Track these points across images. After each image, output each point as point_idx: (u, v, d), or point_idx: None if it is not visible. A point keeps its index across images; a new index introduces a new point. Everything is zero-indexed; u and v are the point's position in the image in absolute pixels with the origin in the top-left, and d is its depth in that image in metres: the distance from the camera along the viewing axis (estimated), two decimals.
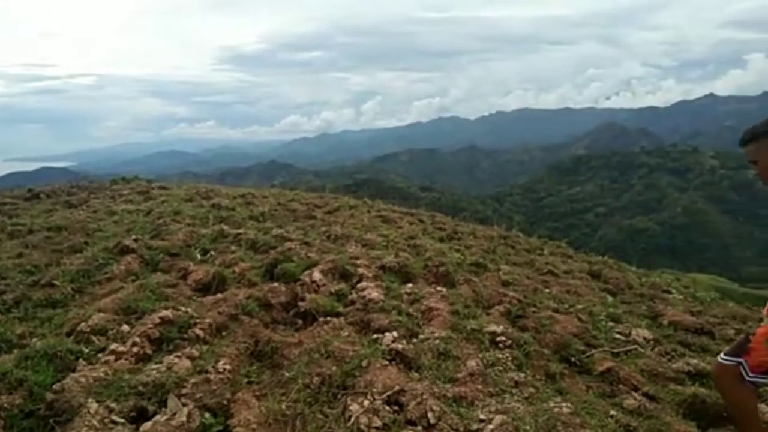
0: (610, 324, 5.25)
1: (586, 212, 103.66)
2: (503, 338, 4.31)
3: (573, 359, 4.26)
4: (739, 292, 41.72)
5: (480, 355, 3.98)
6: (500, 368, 3.83)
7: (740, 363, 2.91)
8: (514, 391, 3.50)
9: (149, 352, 3.81)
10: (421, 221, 11.26)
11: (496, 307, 5.18)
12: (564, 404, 3.34)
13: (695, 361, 4.47)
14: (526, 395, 3.47)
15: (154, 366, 3.47)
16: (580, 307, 5.59)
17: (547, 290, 6.24)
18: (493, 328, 4.46)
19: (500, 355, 4.02)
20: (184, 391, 3.17)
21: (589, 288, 6.85)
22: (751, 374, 2.88)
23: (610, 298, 6.48)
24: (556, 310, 5.34)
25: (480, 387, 3.50)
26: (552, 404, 3.34)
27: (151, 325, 4.00)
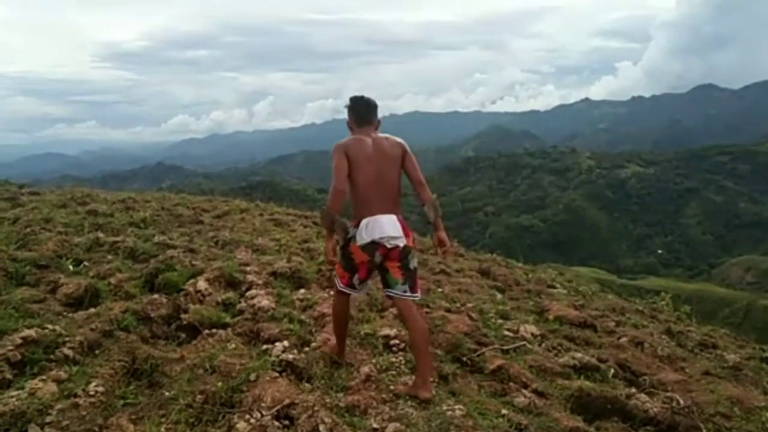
0: (500, 321, 5.39)
1: (477, 211, 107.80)
2: (397, 341, 4.28)
3: (465, 359, 4.30)
4: (617, 282, 45.02)
5: (373, 361, 3.92)
6: (394, 373, 3.80)
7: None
8: (407, 396, 3.46)
9: (9, 377, 3.39)
10: (315, 224, 11.09)
11: (390, 309, 5.15)
12: (457, 406, 3.35)
13: (580, 354, 4.68)
14: (419, 400, 3.43)
15: (14, 393, 3.10)
16: (470, 305, 5.71)
17: (439, 290, 6.31)
18: (386, 331, 4.42)
19: (394, 359, 3.98)
20: (48, 419, 2.86)
21: (479, 286, 7.02)
22: (341, 285, 3.74)
23: (499, 296, 6.67)
24: (449, 310, 5.41)
25: (373, 394, 3.43)
26: (445, 407, 3.34)
27: (11, 347, 3.58)
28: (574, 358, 4.61)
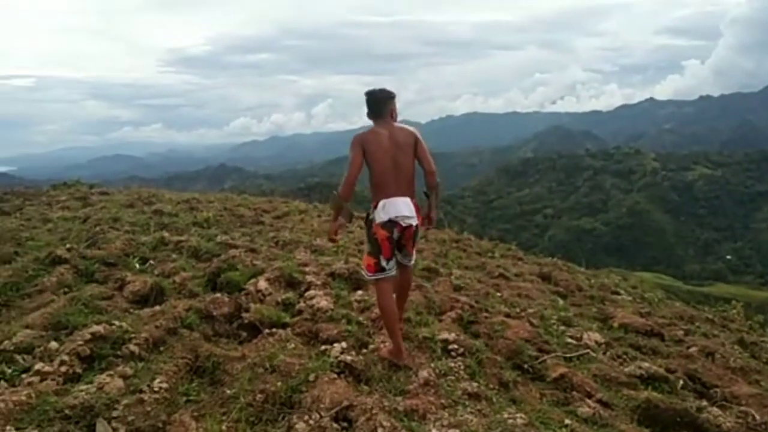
0: (562, 328, 5.23)
1: (535, 214, 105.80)
2: (455, 346, 4.20)
3: (526, 366, 4.19)
4: (683, 289, 43.29)
5: (432, 365, 3.86)
6: (453, 378, 3.73)
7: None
8: (467, 402, 3.39)
9: (79, 371, 3.52)
10: None
11: (448, 313, 5.09)
12: (518, 415, 3.26)
13: (647, 364, 4.47)
14: (480, 407, 3.36)
15: (83, 387, 3.21)
16: (531, 311, 5.56)
17: (498, 294, 6.19)
18: (445, 335, 4.35)
19: (453, 364, 3.91)
20: (115, 413, 2.94)
21: (539, 291, 6.84)
22: (369, 274, 4.07)
23: (560, 301, 6.48)
24: (508, 315, 5.29)
25: (432, 399, 3.38)
26: (506, 415, 3.25)
27: (81, 342, 3.72)
28: (640, 367, 4.41)
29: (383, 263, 3.97)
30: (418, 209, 4.01)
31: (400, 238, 4.00)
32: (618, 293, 7.83)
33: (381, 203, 3.93)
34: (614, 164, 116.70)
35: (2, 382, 3.37)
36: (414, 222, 3.96)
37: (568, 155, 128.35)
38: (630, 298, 7.59)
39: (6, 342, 3.81)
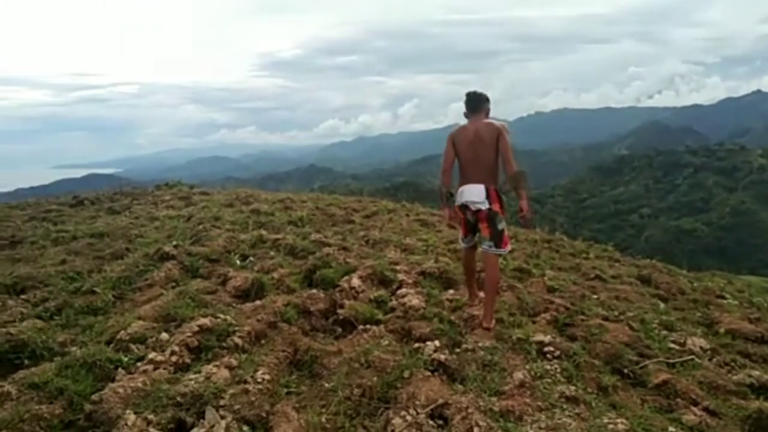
0: (664, 332, 5.01)
1: (631, 213, 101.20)
2: (551, 348, 4.13)
3: (626, 371, 4.05)
4: None
5: (527, 367, 3.81)
6: (549, 381, 3.66)
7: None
8: (564, 405, 3.32)
9: (188, 361, 3.76)
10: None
11: (542, 314, 5.00)
12: (619, 420, 3.16)
13: (757, 372, 4.21)
14: (578, 410, 3.28)
15: (193, 376, 3.42)
16: (630, 314, 5.36)
17: (595, 296, 6.01)
18: (540, 337, 4.28)
19: (549, 367, 3.84)
20: (222, 402, 3.11)
21: (639, 294, 6.57)
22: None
23: (661, 305, 6.21)
24: (606, 318, 5.13)
25: (528, 401, 3.33)
26: (606, 420, 3.16)
27: (189, 334, 3.96)
28: (750, 376, 4.16)
29: (461, 238, 4.95)
30: (493, 196, 4.49)
31: (476, 221, 4.60)
32: (723, 297, 7.38)
33: (459, 189, 4.62)
34: (717, 161, 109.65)
35: (120, 369, 3.64)
36: (483, 206, 4.48)
37: (666, 152, 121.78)
38: (736, 303, 7.13)
39: (122, 332, 4.11)
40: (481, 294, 5.00)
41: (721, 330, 5.40)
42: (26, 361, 3.73)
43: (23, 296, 5.24)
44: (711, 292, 7.61)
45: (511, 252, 8.06)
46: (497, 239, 4.53)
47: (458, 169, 4.67)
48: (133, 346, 3.97)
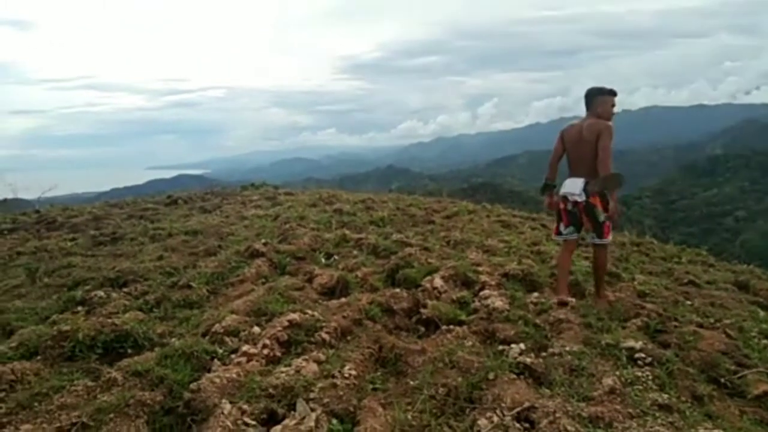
0: (764, 342, 4.72)
1: (725, 216, 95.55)
2: (642, 355, 3.98)
3: (723, 380, 3.85)
4: None
5: (617, 373, 3.70)
6: (640, 388, 3.53)
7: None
8: (657, 413, 3.20)
9: (278, 354, 3.91)
10: (543, 226, 10.86)
11: (633, 320, 4.83)
12: (715, 431, 3.02)
13: None
14: (671, 419, 3.16)
15: (284, 369, 3.55)
16: (727, 321, 5.09)
17: (688, 302, 5.75)
18: (630, 343, 4.14)
19: (640, 374, 3.71)
20: (312, 395, 3.21)
21: (736, 301, 6.22)
22: (554, 236, 5.45)
23: (761, 313, 5.85)
24: (701, 325, 4.90)
25: (618, 407, 3.24)
26: (701, 430, 3.03)
27: (280, 328, 4.11)
28: None
29: (561, 228, 5.21)
30: (596, 192, 4.84)
31: (578, 213, 4.99)
32: None
33: (564, 182, 5.06)
34: None
35: (215, 360, 3.84)
36: (579, 198, 4.89)
37: (765, 151, 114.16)
38: None
39: (216, 325, 4.33)
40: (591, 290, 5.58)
41: None
42: (129, 350, 3.99)
43: (125, 289, 5.60)
44: None
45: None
46: (599, 230, 4.95)
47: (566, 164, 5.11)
48: (227, 339, 4.17)
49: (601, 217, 4.89)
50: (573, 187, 4.93)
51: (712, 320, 5.13)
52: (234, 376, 3.48)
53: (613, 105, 5.04)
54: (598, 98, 4.99)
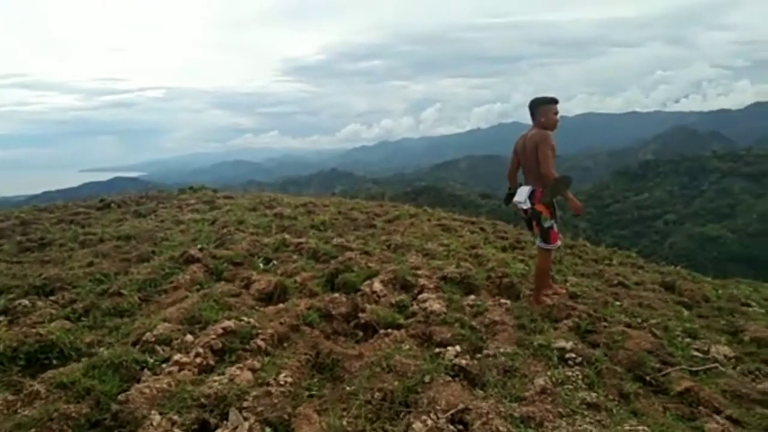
0: (687, 340, 4.95)
1: (655, 219, 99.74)
2: (573, 355, 4.11)
3: (648, 378, 4.01)
4: None
5: (548, 373, 3.80)
6: (570, 387, 3.65)
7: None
8: (585, 412, 3.31)
9: (212, 362, 3.83)
10: (482, 230, 11.05)
11: (565, 321, 4.97)
12: (640, 428, 3.15)
13: None
14: (599, 417, 3.27)
15: (217, 377, 3.48)
16: (653, 321, 5.31)
17: (617, 303, 5.96)
18: (561, 343, 4.26)
19: (570, 373, 3.83)
20: (245, 404, 3.17)
21: (662, 301, 6.49)
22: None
23: (685, 312, 6.13)
24: (629, 325, 5.09)
25: (549, 407, 3.33)
26: (627, 427, 3.16)
27: (214, 336, 4.03)
28: None
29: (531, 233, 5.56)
30: (537, 197, 5.06)
31: (528, 218, 5.29)
32: (749, 305, 7.25)
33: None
34: (744, 166, 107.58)
35: (146, 370, 3.72)
36: (524, 206, 5.15)
37: (693, 157, 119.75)
38: (762, 311, 7.00)
39: (147, 334, 4.20)
40: (558, 289, 5.86)
41: (746, 338, 5.31)
42: (55, 361, 3.83)
43: (52, 297, 5.36)
44: (736, 299, 7.49)
45: (533, 258, 8.07)
46: (545, 236, 5.16)
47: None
48: (158, 348, 4.06)
49: (547, 223, 5.11)
50: (520, 195, 5.17)
51: (639, 320, 5.33)
52: (165, 386, 3.39)
53: (556, 113, 5.20)
54: (541, 108, 5.17)
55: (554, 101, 5.22)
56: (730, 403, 3.76)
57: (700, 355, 4.61)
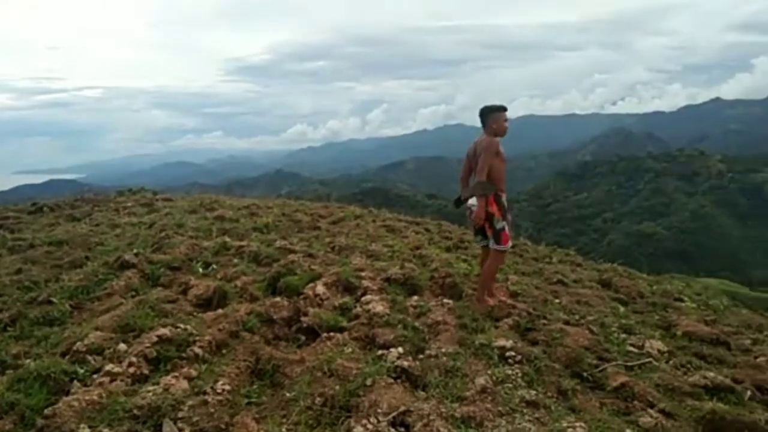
0: (623, 336, 5.09)
1: (594, 218, 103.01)
2: (513, 353, 4.15)
3: (585, 374, 4.10)
4: (750, 296, 41.17)
5: (489, 372, 3.83)
6: (510, 385, 3.68)
7: None
8: (525, 410, 3.35)
9: (146, 372, 3.69)
10: (427, 230, 11.12)
11: (505, 319, 5.03)
12: (577, 424, 3.21)
13: (712, 374, 4.30)
14: (538, 415, 3.31)
15: (150, 388, 3.36)
16: (591, 318, 5.44)
17: (557, 301, 6.08)
18: (502, 342, 4.31)
19: (510, 372, 3.87)
20: (180, 414, 3.07)
21: (599, 298, 6.67)
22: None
23: (621, 308, 6.31)
24: (567, 322, 5.19)
25: (489, 406, 3.35)
26: (565, 424, 3.21)
27: (148, 344, 3.89)
28: (705, 377, 4.24)
29: (475, 235, 5.72)
30: (492, 201, 5.18)
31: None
32: (681, 300, 7.55)
33: None
34: (677, 167, 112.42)
35: (75, 381, 3.56)
36: (474, 208, 5.22)
37: (629, 158, 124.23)
38: (694, 306, 7.31)
39: (78, 343, 4.03)
40: (500, 295, 5.82)
41: (679, 332, 5.51)
42: None
43: None
44: (669, 295, 7.78)
45: (476, 257, 8.15)
46: (497, 237, 5.26)
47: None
48: (89, 358, 3.89)
49: (499, 225, 5.23)
50: (471, 198, 5.29)
51: (577, 317, 5.45)
52: (95, 398, 3.24)
53: (506, 120, 5.39)
54: (492, 115, 5.35)
55: (503, 109, 5.42)
56: (663, 397, 3.87)
57: (635, 350, 4.74)
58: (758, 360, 5.02)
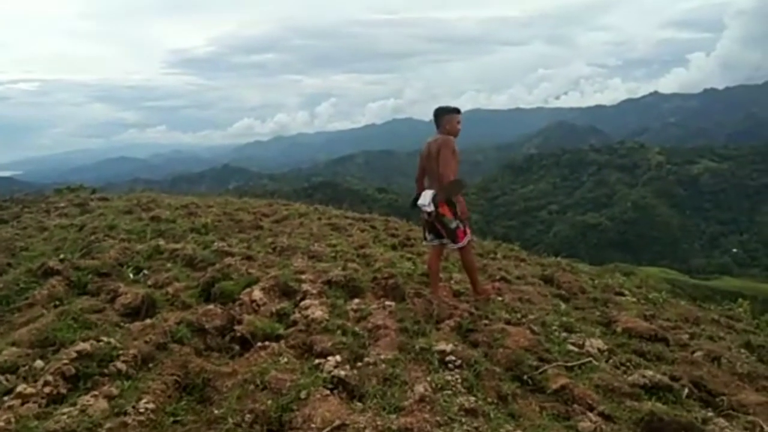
0: (564, 335, 5.06)
1: (540, 210, 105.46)
2: (453, 357, 4.05)
3: (525, 377, 4.03)
4: (689, 283, 42.91)
5: (428, 378, 3.72)
6: (449, 392, 3.57)
7: None
8: (463, 419, 3.24)
9: (63, 391, 3.42)
10: (373, 227, 10.99)
11: (447, 321, 4.94)
12: (516, 431, 3.13)
13: (650, 372, 4.31)
14: (476, 423, 3.22)
15: (66, 409, 3.11)
16: (532, 317, 5.39)
17: (499, 299, 6.02)
18: (442, 346, 4.20)
19: (450, 377, 3.76)
20: None
21: (541, 295, 6.67)
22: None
23: (563, 305, 6.31)
24: (509, 322, 5.14)
25: (427, 416, 3.24)
26: None
27: (66, 361, 3.61)
28: (644, 376, 4.25)
29: (426, 236, 5.77)
30: (441, 202, 5.29)
31: (434, 221, 5.46)
32: (622, 294, 7.65)
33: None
34: (619, 159, 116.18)
35: None
36: (429, 209, 5.30)
37: (572, 151, 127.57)
38: (634, 300, 7.41)
39: None
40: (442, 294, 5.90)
41: (618, 329, 5.53)
42: None
43: None
44: (611, 289, 7.88)
45: (421, 255, 8.08)
46: (452, 236, 5.40)
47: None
48: (1, 378, 3.59)
49: (453, 224, 5.36)
50: (424, 199, 5.34)
51: (519, 316, 5.39)
52: (2, 424, 2.98)
53: (459, 122, 5.56)
54: (445, 117, 5.52)
55: (457, 111, 5.61)
56: (602, 399, 3.84)
57: (575, 349, 4.71)
58: (695, 355, 5.09)
